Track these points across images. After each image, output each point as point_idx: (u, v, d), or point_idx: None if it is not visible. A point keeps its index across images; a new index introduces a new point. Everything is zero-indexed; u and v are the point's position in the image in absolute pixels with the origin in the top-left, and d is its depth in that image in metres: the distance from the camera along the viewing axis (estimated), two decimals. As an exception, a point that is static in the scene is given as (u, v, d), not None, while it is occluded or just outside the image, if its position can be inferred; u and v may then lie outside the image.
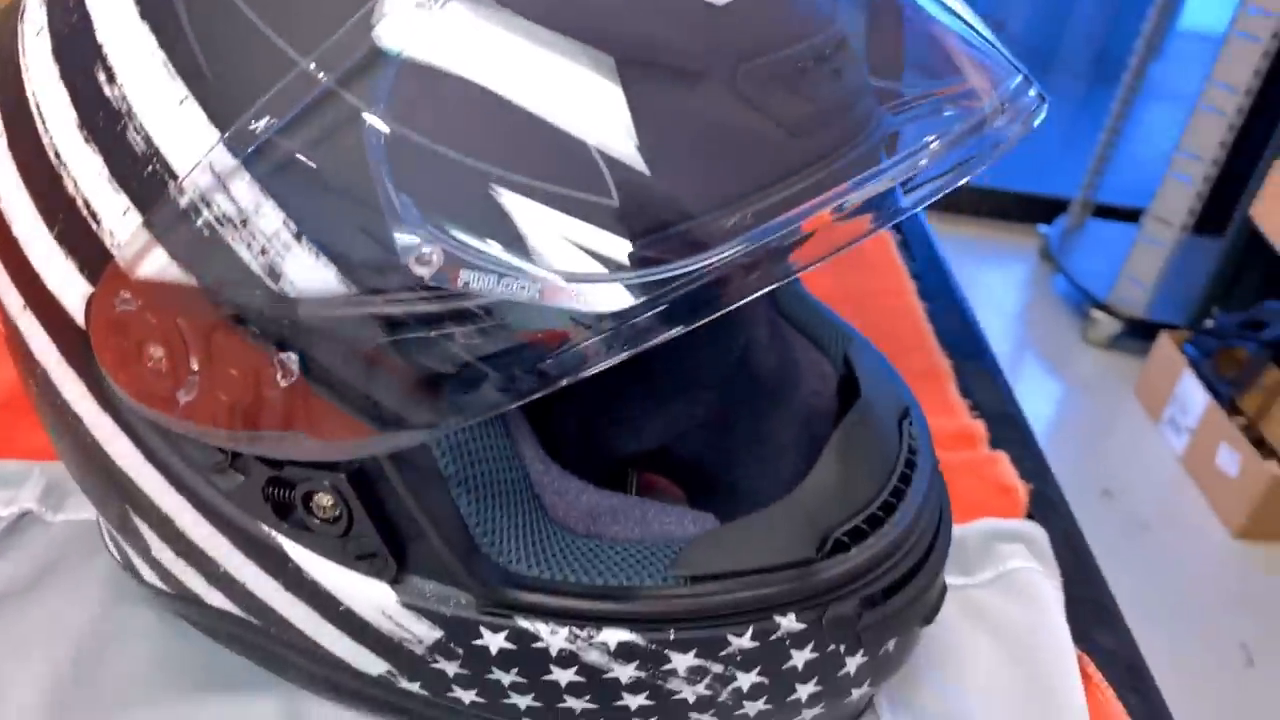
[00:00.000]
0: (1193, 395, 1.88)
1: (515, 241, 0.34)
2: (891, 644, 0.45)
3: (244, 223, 0.35)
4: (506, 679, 0.42)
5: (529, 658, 0.41)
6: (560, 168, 0.34)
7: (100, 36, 0.38)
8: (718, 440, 0.56)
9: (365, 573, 0.41)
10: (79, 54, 0.38)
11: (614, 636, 0.40)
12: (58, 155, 0.39)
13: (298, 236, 0.35)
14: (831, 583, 0.42)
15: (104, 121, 0.37)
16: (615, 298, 0.33)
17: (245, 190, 0.35)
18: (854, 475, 0.45)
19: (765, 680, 0.43)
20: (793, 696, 0.44)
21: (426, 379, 0.35)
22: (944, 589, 0.47)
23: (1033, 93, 0.39)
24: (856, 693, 0.45)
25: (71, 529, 0.56)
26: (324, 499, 0.39)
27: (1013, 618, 0.57)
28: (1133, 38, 2.24)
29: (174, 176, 0.36)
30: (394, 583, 0.41)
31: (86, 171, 0.38)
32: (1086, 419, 2.11)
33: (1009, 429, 0.76)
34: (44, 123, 0.39)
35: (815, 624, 0.42)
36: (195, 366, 0.37)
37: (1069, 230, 2.46)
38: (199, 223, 0.36)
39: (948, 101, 0.39)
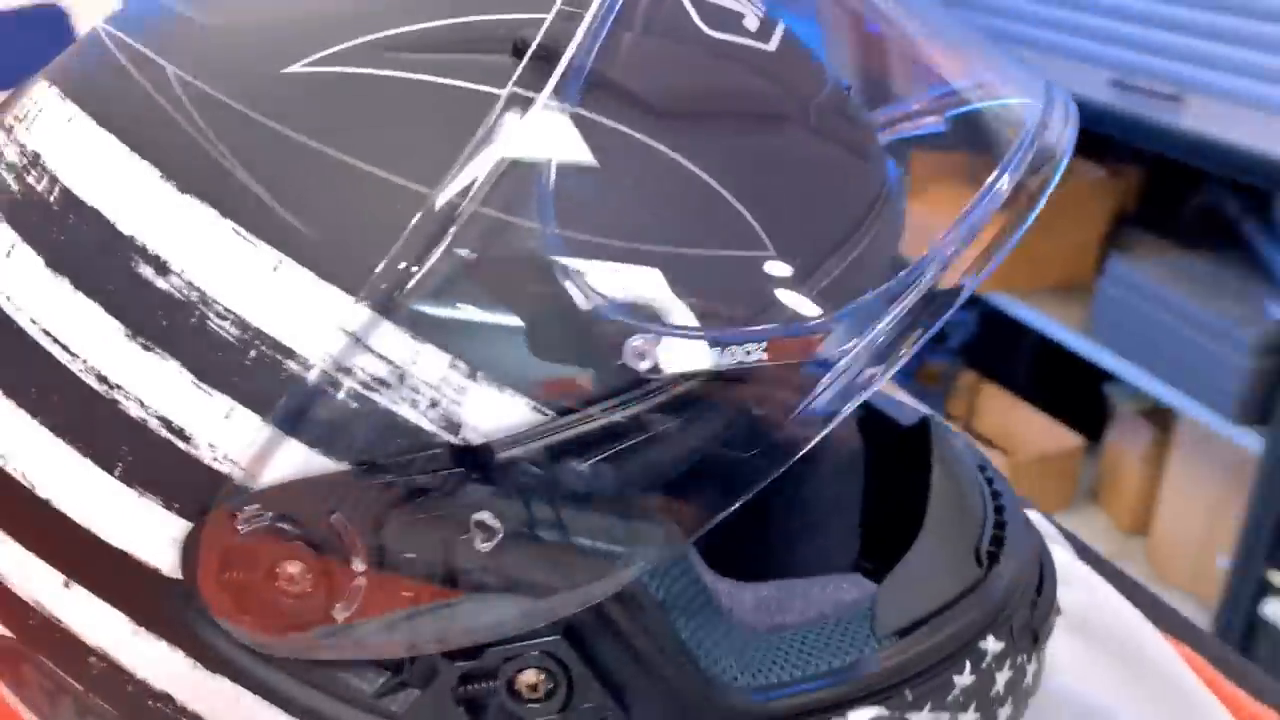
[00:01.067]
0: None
1: (714, 311, 0.31)
2: (1045, 639, 0.45)
3: (401, 379, 0.30)
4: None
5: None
6: (714, 231, 0.32)
7: (128, 229, 0.32)
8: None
9: (588, 750, 0.35)
10: (100, 256, 0.32)
11: (863, 716, 0.37)
12: (103, 380, 0.32)
13: (472, 375, 0.31)
14: (1006, 592, 0.41)
15: (167, 320, 0.32)
16: (831, 341, 0.32)
17: (394, 343, 0.30)
18: (963, 493, 0.45)
19: (979, 714, 0.41)
20: (998, 721, 0.42)
21: (658, 486, 0.32)
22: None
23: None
24: (1026, 706, 0.45)
25: None
26: (530, 677, 0.34)
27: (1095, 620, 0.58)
28: None
29: (289, 354, 0.31)
30: (623, 747, 0.36)
31: (155, 384, 0.32)
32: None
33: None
34: (67, 349, 0.32)
35: (1008, 639, 0.41)
36: (360, 566, 0.32)
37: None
38: (341, 395, 0.31)
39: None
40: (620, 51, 0.32)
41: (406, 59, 0.32)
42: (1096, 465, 1.73)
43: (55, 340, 0.33)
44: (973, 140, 0.41)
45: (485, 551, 0.31)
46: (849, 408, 0.31)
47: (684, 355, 0.30)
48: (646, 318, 0.30)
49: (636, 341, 0.30)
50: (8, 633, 0.36)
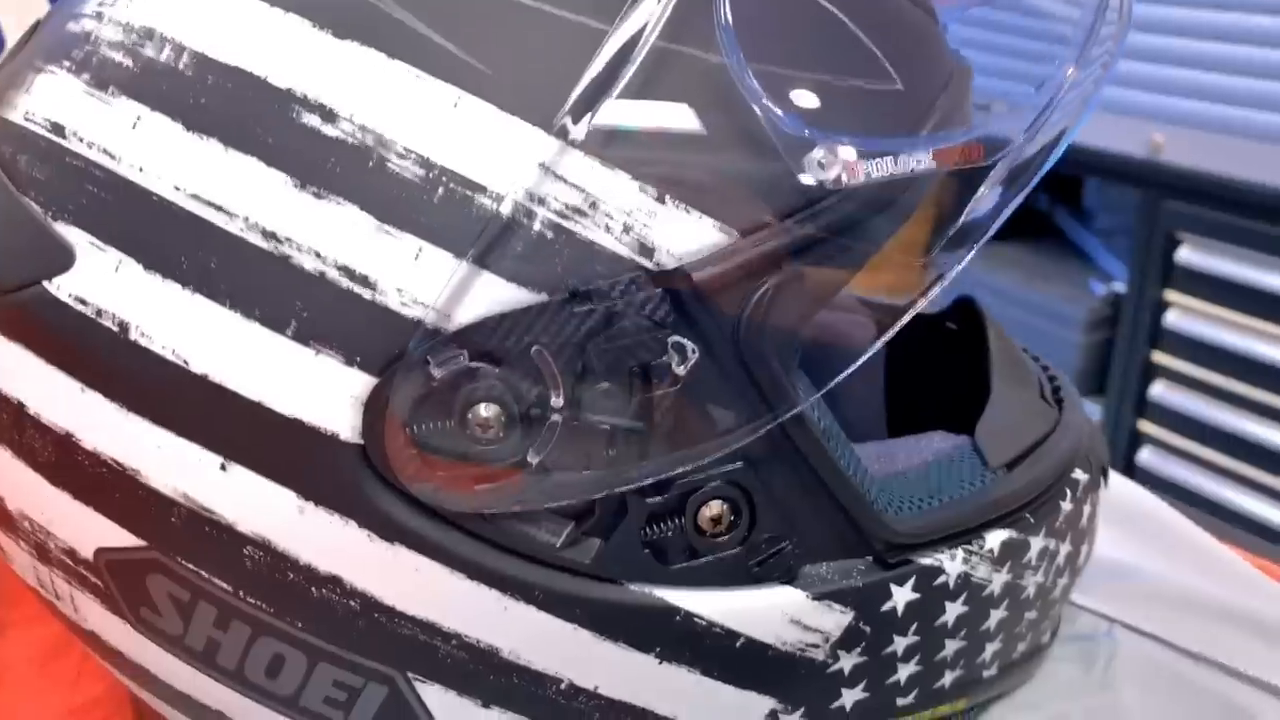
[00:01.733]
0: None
1: (881, 127, 0.33)
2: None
3: (594, 205, 0.31)
4: (901, 645, 0.38)
5: (929, 603, 0.38)
6: (860, 64, 0.35)
7: (283, 82, 0.31)
8: None
9: (772, 580, 0.35)
10: (254, 112, 0.31)
11: (997, 538, 0.39)
12: (269, 235, 0.31)
13: (660, 199, 0.31)
14: (1078, 430, 0.44)
15: (340, 166, 0.31)
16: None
17: (586, 171, 0.31)
18: (1016, 349, 0.48)
19: (1073, 549, 0.43)
20: (1080, 560, 0.45)
21: (837, 303, 0.33)
22: None
23: None
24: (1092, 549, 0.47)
25: None
26: (714, 509, 0.34)
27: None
28: None
29: (479, 189, 0.30)
30: (792, 581, 0.36)
31: (333, 232, 0.31)
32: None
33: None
34: (223, 210, 0.31)
35: (1089, 471, 0.44)
36: (558, 402, 0.31)
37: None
38: (536, 226, 0.30)
39: None
40: None
41: None
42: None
43: (207, 203, 0.31)
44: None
45: (681, 374, 0.32)
46: (1009, 207, 0.34)
47: (863, 164, 0.32)
48: (825, 131, 0.32)
49: (819, 153, 0.31)
50: (138, 541, 0.34)
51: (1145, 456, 1.40)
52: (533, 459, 0.32)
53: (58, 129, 0.33)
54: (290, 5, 0.32)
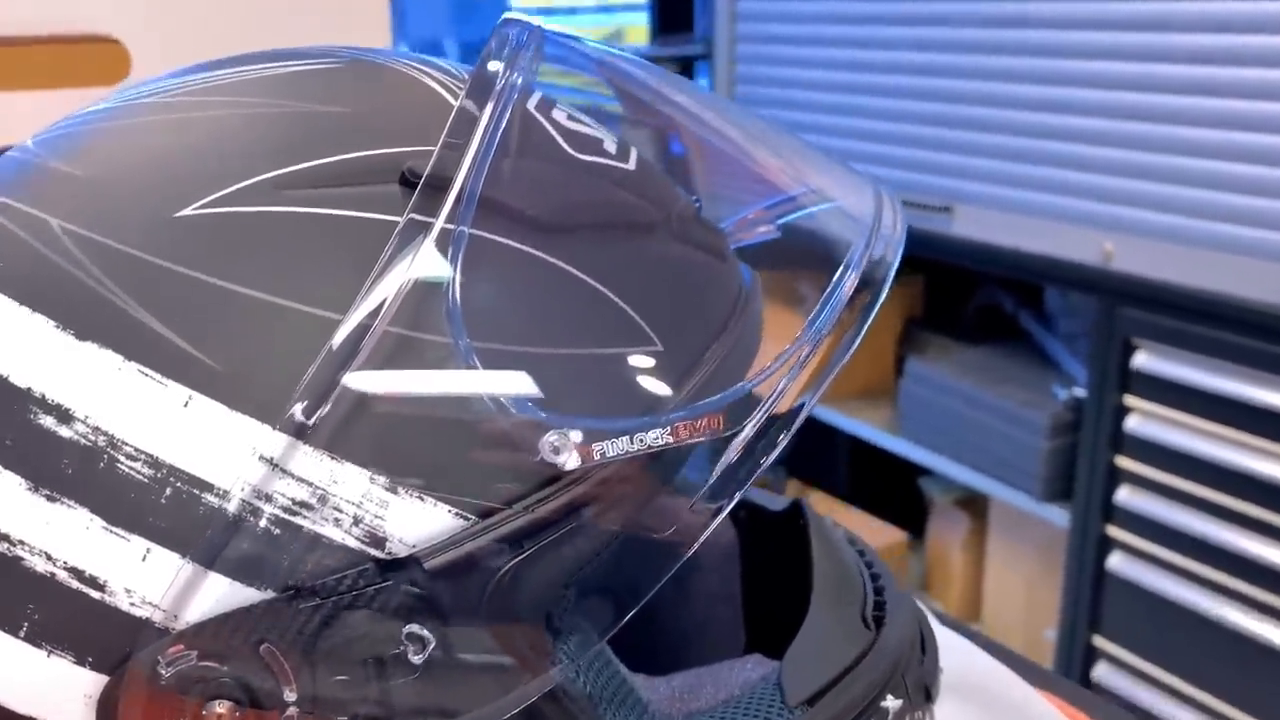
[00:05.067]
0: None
1: (618, 405, 0.34)
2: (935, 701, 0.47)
3: (322, 499, 0.31)
4: None
5: None
6: (607, 331, 0.35)
7: (23, 381, 0.32)
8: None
9: None
10: None
11: (782, 785, 0.39)
12: (3, 538, 0.31)
13: (392, 489, 0.31)
14: (896, 652, 0.44)
15: (72, 468, 0.31)
16: (729, 416, 0.34)
17: (314, 465, 0.31)
18: (843, 563, 0.47)
19: (888, 771, 0.43)
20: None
21: (578, 582, 0.33)
22: None
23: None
24: None
25: None
26: None
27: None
28: None
29: (206, 487, 0.31)
30: None
31: (63, 535, 0.31)
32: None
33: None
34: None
35: (905, 695, 0.43)
36: (291, 697, 0.31)
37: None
38: (262, 524, 0.31)
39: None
40: (503, 175, 0.34)
41: (300, 195, 0.33)
42: (923, 557, 1.81)
43: (-59, 504, 0.32)
44: (812, 242, 0.45)
45: (418, 664, 0.32)
46: (754, 478, 0.34)
47: (597, 446, 0.32)
48: (558, 414, 0.32)
49: (552, 437, 0.32)
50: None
51: (1115, 562, 1.38)
52: (271, 751, 0.32)
53: None
54: (39, 305, 0.33)
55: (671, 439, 0.33)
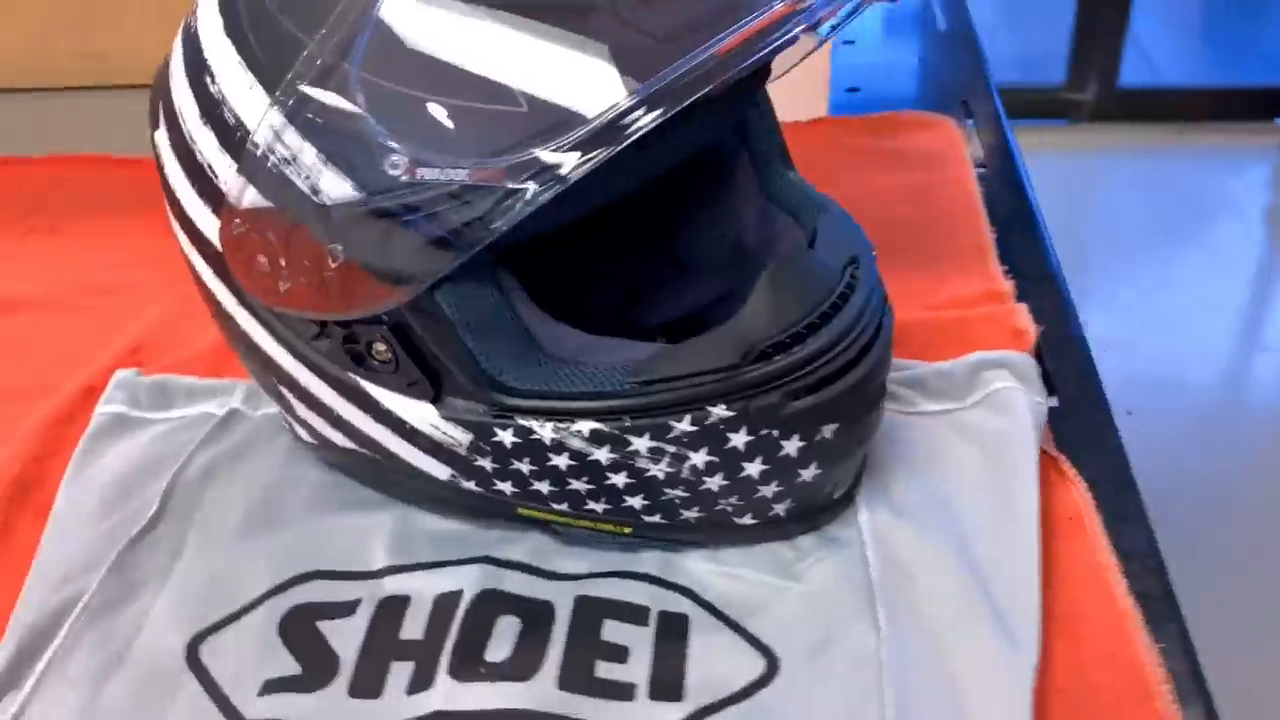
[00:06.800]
0: None
1: (449, 145, 0.50)
2: (829, 430, 0.57)
3: (294, 159, 0.53)
4: (525, 468, 0.58)
5: (533, 448, 0.57)
6: (481, 92, 0.50)
7: (206, 53, 0.57)
8: (716, 309, 0.69)
9: (415, 396, 0.58)
10: (195, 67, 0.58)
11: (586, 426, 0.56)
12: (190, 138, 0.58)
13: (325, 163, 0.52)
14: (755, 381, 0.55)
15: (211, 108, 0.56)
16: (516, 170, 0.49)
17: (293, 138, 0.53)
18: (784, 302, 0.57)
19: (715, 459, 0.56)
20: (744, 473, 0.57)
21: (416, 245, 0.52)
22: (881, 389, 0.60)
23: None
24: (806, 473, 0.58)
25: (265, 420, 0.75)
26: (380, 347, 0.56)
27: (991, 428, 0.68)
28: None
29: (249, 132, 0.54)
30: (435, 402, 0.58)
31: (207, 143, 0.57)
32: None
33: (1047, 285, 0.85)
34: (182, 117, 0.59)
35: (744, 412, 0.55)
36: (284, 263, 0.56)
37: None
38: (270, 165, 0.54)
39: None
40: None
41: None
42: None
43: (180, 111, 0.59)
44: None
45: (335, 267, 0.54)
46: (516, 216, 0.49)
47: (422, 170, 0.49)
48: (406, 143, 0.50)
49: (394, 158, 0.50)
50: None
51: None
52: (281, 286, 0.56)
53: None
54: (232, 33, 0.57)
55: (470, 178, 0.49)
